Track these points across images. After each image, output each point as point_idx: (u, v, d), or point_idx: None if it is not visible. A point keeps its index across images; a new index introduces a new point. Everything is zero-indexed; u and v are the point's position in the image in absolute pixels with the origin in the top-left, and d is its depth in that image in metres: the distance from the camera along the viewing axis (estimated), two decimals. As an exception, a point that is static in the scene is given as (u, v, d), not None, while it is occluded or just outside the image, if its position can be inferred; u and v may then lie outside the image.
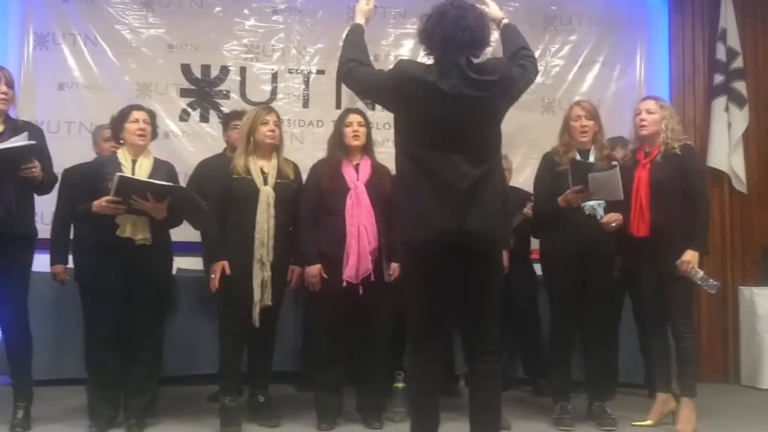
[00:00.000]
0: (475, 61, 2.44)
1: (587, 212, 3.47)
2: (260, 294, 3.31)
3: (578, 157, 3.48)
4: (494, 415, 2.45)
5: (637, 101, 3.71)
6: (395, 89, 2.43)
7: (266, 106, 3.79)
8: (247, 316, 3.31)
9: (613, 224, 3.41)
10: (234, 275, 3.32)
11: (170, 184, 3.23)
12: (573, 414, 3.52)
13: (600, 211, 3.46)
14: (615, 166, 3.38)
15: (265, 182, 3.37)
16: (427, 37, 2.45)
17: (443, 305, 2.48)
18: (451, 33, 2.38)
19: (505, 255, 3.64)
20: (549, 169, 3.55)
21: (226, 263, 3.32)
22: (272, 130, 3.42)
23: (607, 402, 3.61)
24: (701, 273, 3.36)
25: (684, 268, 3.32)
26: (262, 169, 3.40)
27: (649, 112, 3.48)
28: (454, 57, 2.39)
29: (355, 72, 2.55)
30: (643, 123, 3.47)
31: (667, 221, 3.36)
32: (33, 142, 3.12)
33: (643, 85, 5.19)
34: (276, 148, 3.47)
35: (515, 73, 2.51)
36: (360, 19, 2.67)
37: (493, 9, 2.70)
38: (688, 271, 3.33)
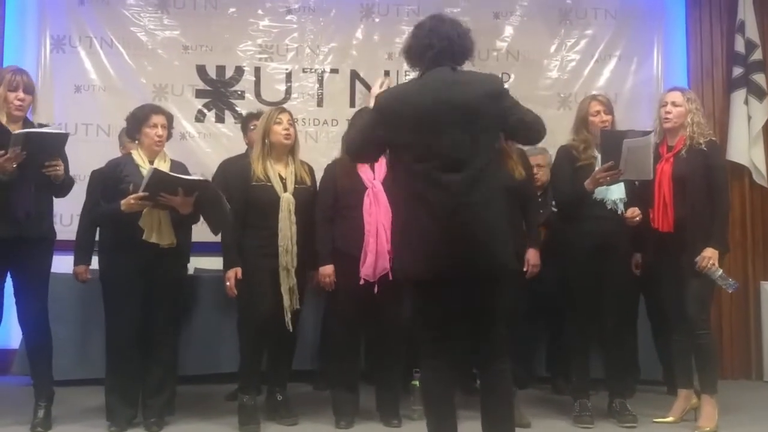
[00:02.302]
0: (460, 68, 2.42)
1: (609, 206, 3.43)
2: (290, 300, 3.33)
3: (597, 156, 3.41)
4: (508, 417, 2.42)
5: (663, 92, 3.65)
6: (384, 115, 2.38)
7: (279, 107, 3.80)
8: (268, 319, 3.32)
9: (636, 218, 3.37)
10: (255, 278, 3.33)
11: (201, 178, 3.25)
12: (593, 411, 3.49)
13: (621, 207, 3.43)
14: (649, 132, 3.30)
15: (285, 188, 3.38)
16: (407, 51, 2.46)
17: (450, 318, 2.44)
18: (428, 42, 2.38)
19: (534, 253, 3.58)
20: (568, 161, 3.50)
21: (238, 269, 3.36)
22: (287, 129, 3.42)
23: (628, 399, 3.58)
24: (720, 271, 3.32)
25: (703, 265, 3.28)
26: (280, 175, 3.41)
27: (675, 104, 3.42)
28: (438, 66, 2.38)
29: (349, 136, 2.62)
30: (668, 116, 3.41)
31: (691, 217, 3.32)
32: (65, 131, 3.14)
33: (661, 78, 5.12)
34: (292, 149, 3.48)
35: (505, 90, 2.44)
36: (371, 104, 2.60)
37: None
38: (707, 268, 3.29)
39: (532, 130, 2.46)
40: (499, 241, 2.35)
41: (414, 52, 2.43)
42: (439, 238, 2.29)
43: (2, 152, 3.02)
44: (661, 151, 3.45)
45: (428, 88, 2.36)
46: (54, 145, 3.16)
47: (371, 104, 2.56)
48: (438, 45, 2.37)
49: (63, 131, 3.14)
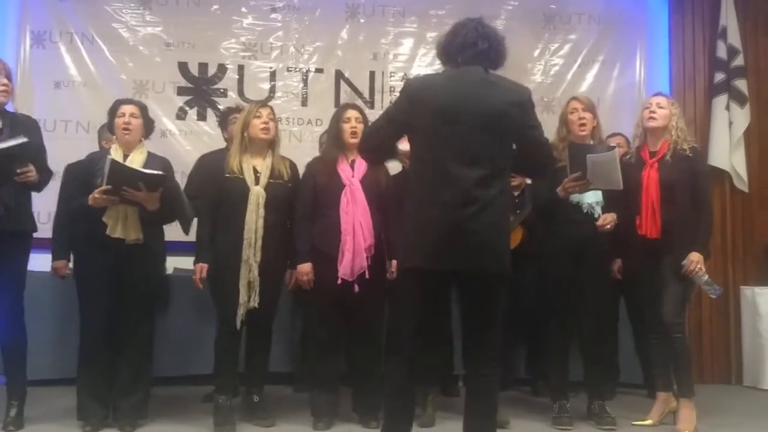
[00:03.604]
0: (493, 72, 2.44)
1: (585, 210, 3.44)
2: (247, 295, 3.28)
3: None
4: (490, 421, 2.40)
5: (647, 96, 3.69)
6: (410, 99, 2.39)
7: (260, 101, 3.77)
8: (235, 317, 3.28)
9: (608, 226, 3.38)
10: (225, 275, 3.30)
11: (160, 172, 3.19)
12: (572, 414, 3.50)
13: (598, 210, 3.44)
14: (614, 148, 3.34)
15: (257, 182, 3.34)
16: (447, 46, 2.47)
17: (439, 315, 2.45)
18: (472, 41, 2.41)
19: None
20: None
21: (204, 266, 3.34)
22: (265, 123, 3.39)
23: (607, 402, 3.58)
24: (707, 276, 3.34)
25: (692, 269, 3.30)
26: (255, 168, 3.37)
27: (659, 106, 3.47)
28: (472, 63, 2.40)
29: (367, 131, 2.61)
30: (653, 115, 3.44)
31: (678, 222, 3.34)
32: (26, 139, 3.09)
33: (644, 84, 5.16)
34: (271, 144, 3.44)
35: (531, 104, 2.45)
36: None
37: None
38: (695, 272, 3.30)
39: (539, 152, 2.47)
40: (502, 241, 2.38)
41: (455, 48, 2.43)
42: (444, 231, 2.29)
43: None
44: (644, 156, 3.46)
45: (458, 81, 2.38)
46: (19, 155, 3.09)
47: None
48: (481, 45, 2.40)
49: (22, 140, 3.06)
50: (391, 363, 2.48)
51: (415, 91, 2.43)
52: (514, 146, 2.44)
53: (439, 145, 2.33)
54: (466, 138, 2.32)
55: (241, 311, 3.27)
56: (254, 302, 3.28)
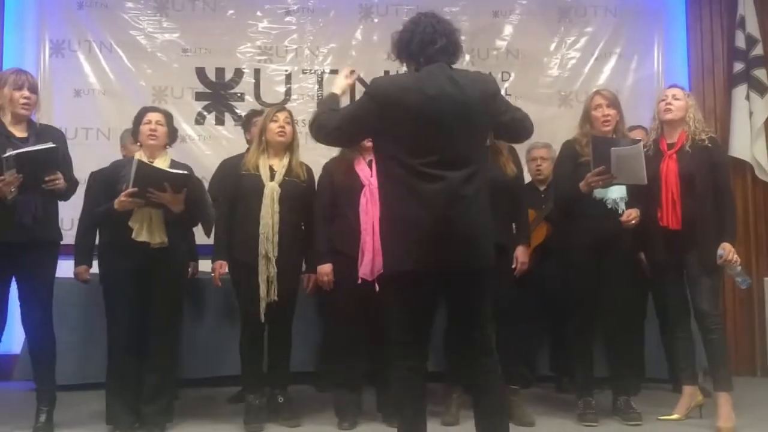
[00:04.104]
0: (455, 67, 2.42)
1: (609, 206, 3.41)
2: (266, 289, 3.31)
3: None
4: (500, 418, 2.38)
5: (663, 88, 3.66)
6: (381, 104, 2.34)
7: (279, 105, 3.82)
8: (258, 313, 3.32)
9: (632, 221, 3.35)
10: (243, 271, 3.35)
11: (185, 172, 3.23)
12: (597, 409, 3.48)
13: (622, 206, 3.40)
14: (639, 141, 3.31)
15: (272, 178, 3.38)
16: (405, 47, 2.43)
17: (428, 318, 2.42)
18: (430, 39, 2.38)
19: (523, 250, 3.56)
20: (570, 157, 3.49)
21: (223, 263, 3.41)
22: (281, 127, 3.43)
23: (632, 397, 3.56)
24: (740, 266, 3.31)
25: (729, 258, 3.26)
26: (271, 167, 3.42)
27: (675, 97, 3.45)
28: (436, 62, 2.37)
29: (323, 117, 2.47)
30: (669, 107, 3.42)
31: (699, 213, 3.31)
32: (54, 145, 3.14)
33: (662, 75, 5.12)
34: (288, 147, 3.48)
35: (498, 90, 2.47)
36: (336, 91, 2.60)
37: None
38: (731, 262, 3.27)
39: (522, 128, 2.51)
40: (486, 236, 2.37)
41: (414, 47, 2.40)
42: (432, 230, 2.28)
43: (0, 178, 3.00)
44: (662, 148, 3.44)
45: (430, 83, 2.34)
46: (47, 159, 3.14)
47: (334, 89, 2.58)
48: (440, 42, 2.38)
49: (51, 145, 3.11)
50: (398, 370, 2.42)
51: (384, 95, 2.36)
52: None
53: (419, 148, 2.30)
54: (447, 139, 2.29)
55: (262, 305, 3.31)
56: (274, 296, 3.32)
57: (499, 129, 2.52)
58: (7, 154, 3.04)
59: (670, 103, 3.43)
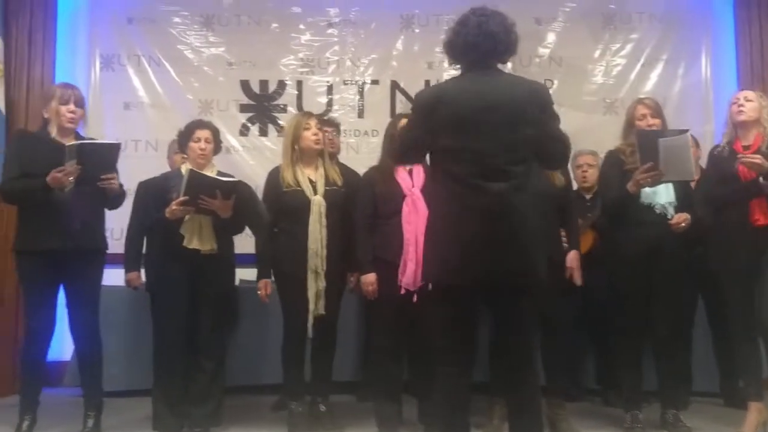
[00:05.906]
0: (503, 68, 2.39)
1: (657, 211, 3.34)
2: (314, 304, 3.33)
3: None
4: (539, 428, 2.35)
5: (734, 92, 3.59)
6: (423, 114, 2.34)
7: (305, 112, 3.84)
8: (304, 325, 3.34)
9: (683, 224, 3.27)
10: (291, 286, 3.37)
11: (234, 179, 3.30)
12: (645, 424, 3.38)
13: (671, 211, 3.33)
14: (686, 131, 3.23)
15: (315, 191, 3.40)
16: (451, 48, 2.40)
17: (473, 329, 2.40)
18: (473, 41, 2.33)
19: (574, 255, 3.47)
20: (617, 165, 3.42)
21: (268, 281, 3.45)
22: (316, 134, 3.46)
23: (681, 411, 3.46)
24: None
25: None
26: (310, 179, 3.44)
27: (747, 99, 3.37)
28: (480, 65, 2.34)
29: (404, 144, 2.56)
30: (742, 108, 3.34)
31: None
32: (117, 141, 3.23)
33: (710, 82, 5.02)
34: (321, 153, 3.51)
35: (550, 100, 2.37)
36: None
37: None
38: None
39: (557, 152, 2.42)
40: (537, 249, 2.32)
41: (457, 50, 2.37)
42: (482, 243, 2.25)
43: (60, 168, 3.08)
44: (737, 150, 3.32)
45: (470, 90, 2.31)
46: (107, 156, 3.21)
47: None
48: (483, 45, 2.32)
49: (115, 141, 3.22)
50: (443, 377, 2.40)
51: (426, 105, 2.34)
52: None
53: (464, 159, 2.26)
54: (490, 149, 2.25)
55: (310, 320, 3.33)
56: (321, 310, 3.34)
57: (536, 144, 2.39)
58: (70, 144, 3.12)
59: (742, 105, 3.34)
